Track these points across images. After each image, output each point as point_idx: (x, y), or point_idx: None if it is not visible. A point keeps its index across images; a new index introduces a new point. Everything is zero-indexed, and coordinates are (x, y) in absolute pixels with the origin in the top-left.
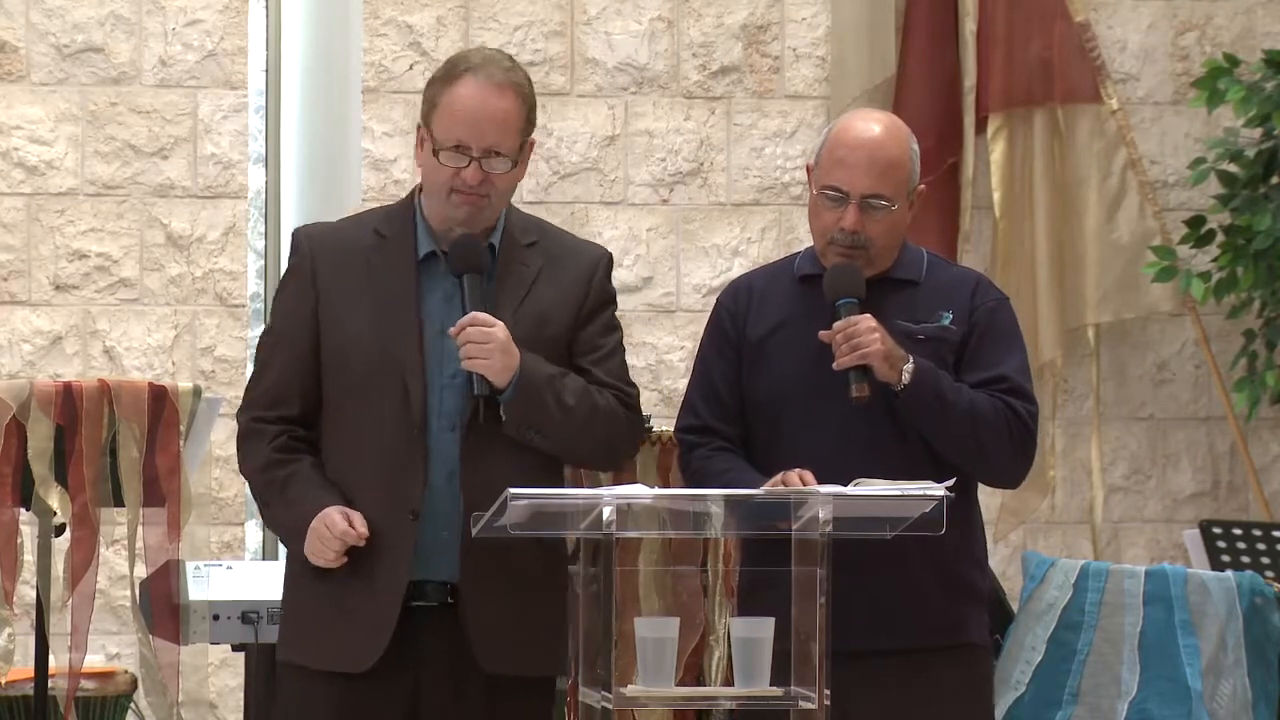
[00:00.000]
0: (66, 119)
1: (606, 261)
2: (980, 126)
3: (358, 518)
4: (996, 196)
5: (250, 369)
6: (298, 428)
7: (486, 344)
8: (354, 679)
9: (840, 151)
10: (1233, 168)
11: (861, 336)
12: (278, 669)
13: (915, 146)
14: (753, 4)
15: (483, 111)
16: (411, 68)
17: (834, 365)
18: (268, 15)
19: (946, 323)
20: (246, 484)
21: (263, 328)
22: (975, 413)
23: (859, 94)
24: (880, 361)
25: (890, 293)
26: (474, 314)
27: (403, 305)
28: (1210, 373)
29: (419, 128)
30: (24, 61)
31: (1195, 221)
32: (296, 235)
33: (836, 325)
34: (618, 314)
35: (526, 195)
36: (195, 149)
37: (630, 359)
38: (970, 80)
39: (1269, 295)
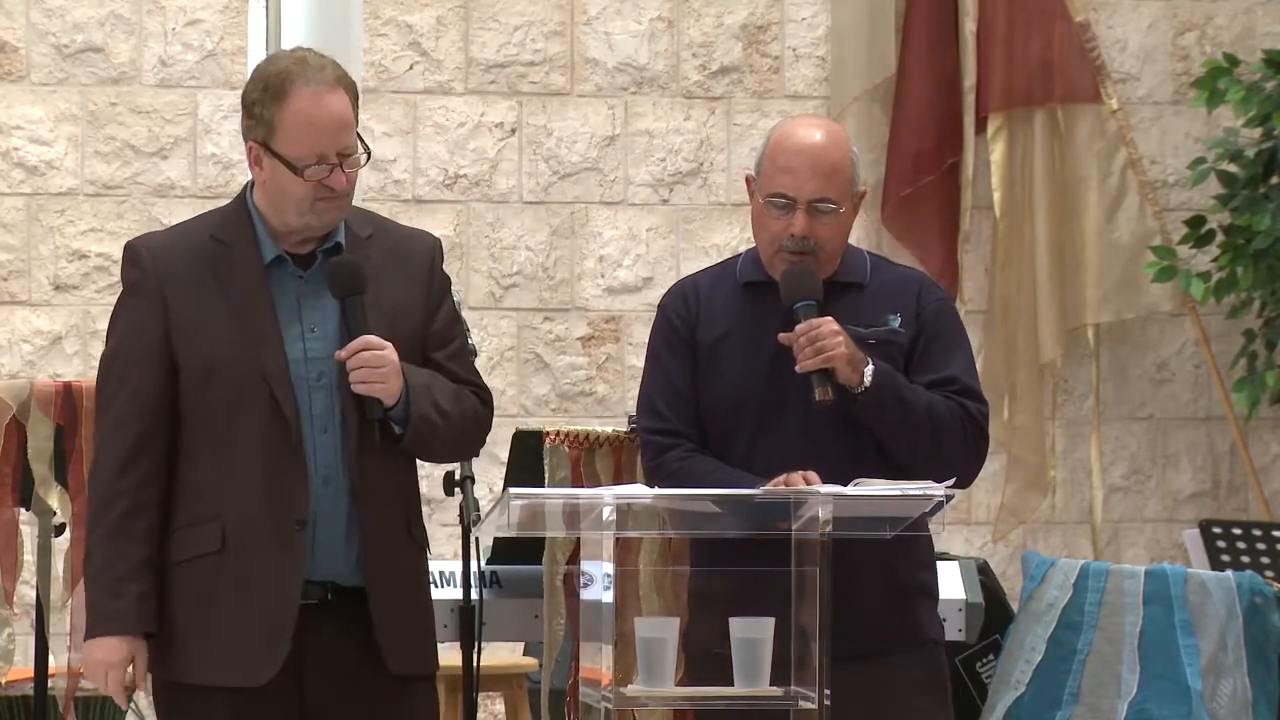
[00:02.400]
0: (66, 119)
1: (440, 247)
2: (980, 126)
3: (139, 672)
4: (996, 196)
5: None
6: (146, 455)
7: (381, 368)
8: (249, 692)
9: (783, 159)
10: (1233, 168)
11: (825, 340)
12: (155, 687)
13: (855, 150)
14: (752, 4)
15: (329, 119)
16: (412, 68)
17: (797, 368)
18: (267, 15)
19: (896, 326)
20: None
21: (106, 338)
22: (933, 414)
23: (859, 94)
24: (844, 365)
25: (837, 296)
26: (365, 338)
27: (259, 312)
28: (1210, 373)
29: (251, 146)
30: (24, 61)
31: (1195, 221)
32: (135, 249)
33: (799, 328)
34: (625, 314)
35: (527, 195)
36: (195, 149)
37: (630, 359)
38: (970, 80)
39: (1269, 295)
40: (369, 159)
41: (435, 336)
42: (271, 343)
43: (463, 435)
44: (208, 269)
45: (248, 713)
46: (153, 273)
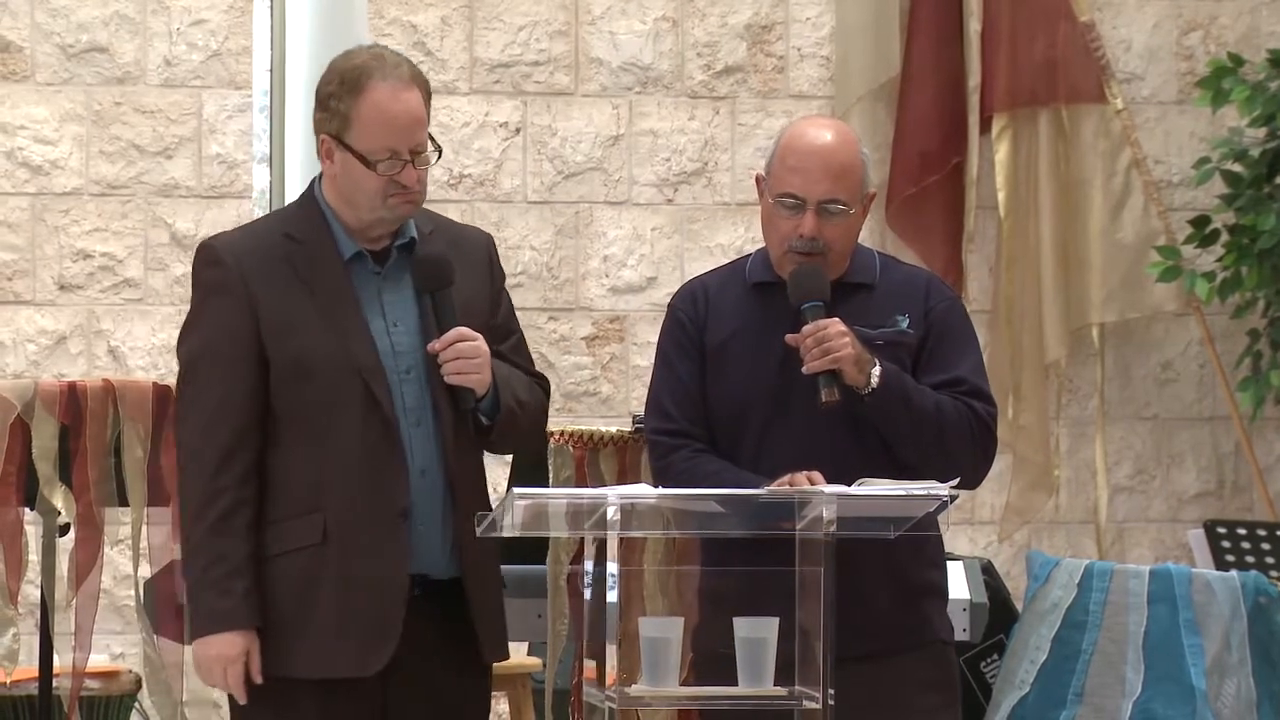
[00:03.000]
0: (71, 119)
1: (494, 242)
2: (985, 126)
3: (255, 666)
4: (1001, 196)
5: None
6: (243, 452)
7: (475, 359)
8: (339, 684)
9: (793, 159)
10: (1237, 167)
11: (832, 341)
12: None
13: (865, 151)
14: (757, 4)
15: (405, 115)
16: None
17: (804, 369)
18: (272, 15)
19: (904, 326)
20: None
21: (182, 338)
22: (940, 415)
23: (863, 93)
24: (850, 366)
25: (846, 297)
26: (459, 329)
27: (345, 308)
28: (1215, 372)
29: (324, 139)
30: (29, 61)
31: (1200, 221)
32: (213, 248)
33: (806, 329)
34: (630, 314)
35: (531, 195)
36: (200, 149)
37: (635, 359)
38: (975, 80)
39: (1273, 295)
40: (440, 157)
41: (498, 329)
42: (361, 337)
43: (534, 426)
44: (287, 266)
45: (336, 705)
46: (236, 270)
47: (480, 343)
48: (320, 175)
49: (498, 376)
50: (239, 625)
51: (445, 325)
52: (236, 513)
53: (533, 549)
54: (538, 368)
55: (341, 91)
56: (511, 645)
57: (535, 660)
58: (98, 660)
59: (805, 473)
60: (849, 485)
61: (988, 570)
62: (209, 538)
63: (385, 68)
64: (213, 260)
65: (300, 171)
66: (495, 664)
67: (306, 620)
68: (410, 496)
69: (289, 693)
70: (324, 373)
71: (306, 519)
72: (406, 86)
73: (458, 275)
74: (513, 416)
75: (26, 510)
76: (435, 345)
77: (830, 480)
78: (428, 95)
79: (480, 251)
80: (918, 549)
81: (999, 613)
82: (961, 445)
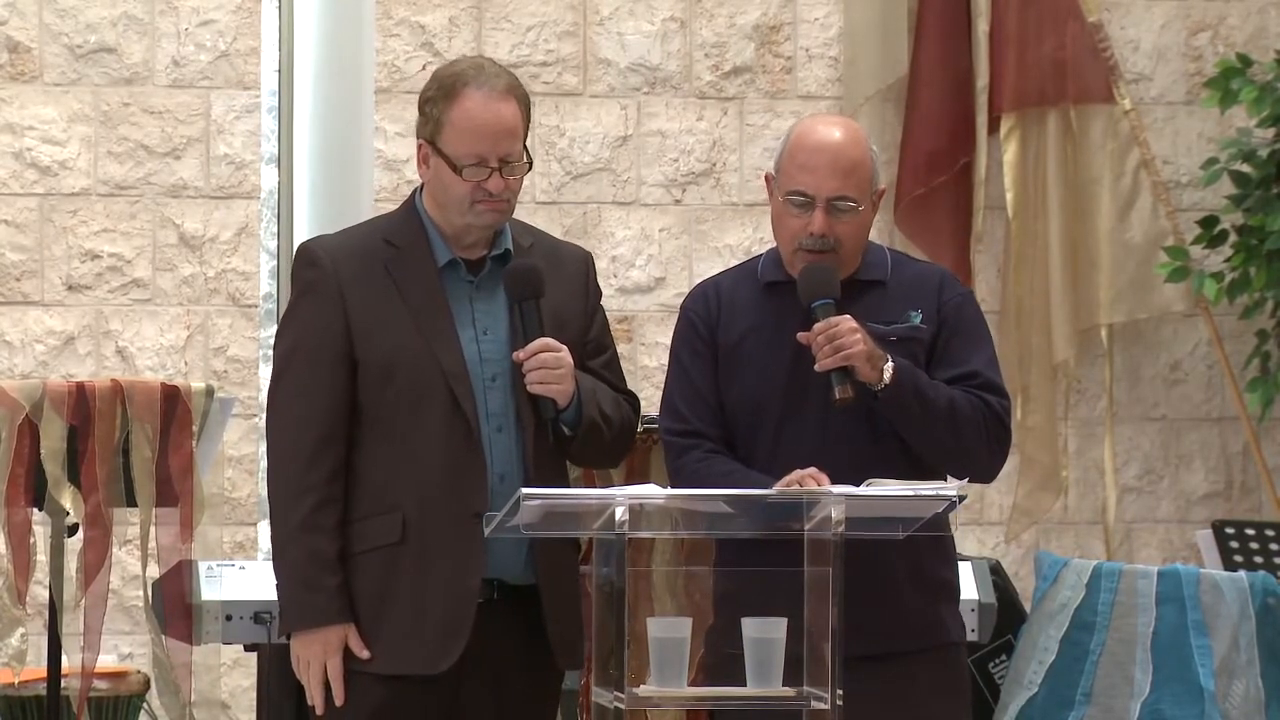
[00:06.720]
0: (79, 119)
1: (592, 259)
2: (993, 126)
3: (336, 675)
4: (1009, 197)
5: (264, 370)
6: (332, 449)
7: (558, 369)
8: (412, 680)
9: (802, 157)
10: (1245, 168)
11: (844, 338)
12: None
13: (874, 148)
14: (765, 4)
15: (495, 123)
16: (424, 68)
17: (816, 367)
18: (280, 15)
19: (917, 322)
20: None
21: (278, 336)
22: (954, 410)
23: (871, 94)
24: (863, 362)
25: (859, 294)
26: (544, 340)
27: (435, 313)
28: (1223, 373)
29: (420, 144)
30: (37, 62)
31: (1208, 222)
32: (311, 250)
33: (817, 327)
34: (638, 314)
35: (539, 195)
36: (208, 149)
37: (643, 359)
38: (983, 80)
39: None
40: (530, 168)
41: (592, 344)
42: (449, 342)
43: (617, 442)
44: (382, 270)
45: (407, 700)
46: (331, 272)
47: (564, 354)
48: (423, 183)
49: (582, 389)
50: (333, 620)
51: (531, 335)
52: (325, 509)
53: None
54: None
55: (437, 97)
56: None
57: None
58: (106, 661)
59: (810, 472)
60: (863, 483)
61: (996, 571)
62: (300, 534)
63: (482, 76)
64: (309, 261)
65: (308, 172)
66: None
67: (381, 617)
68: (488, 500)
69: (361, 686)
70: (409, 375)
71: (386, 518)
72: (501, 96)
73: (553, 290)
74: (595, 429)
75: (35, 511)
76: (520, 354)
77: (845, 478)
78: (527, 108)
79: (577, 267)
80: (938, 546)
81: (1007, 613)
82: (975, 439)
